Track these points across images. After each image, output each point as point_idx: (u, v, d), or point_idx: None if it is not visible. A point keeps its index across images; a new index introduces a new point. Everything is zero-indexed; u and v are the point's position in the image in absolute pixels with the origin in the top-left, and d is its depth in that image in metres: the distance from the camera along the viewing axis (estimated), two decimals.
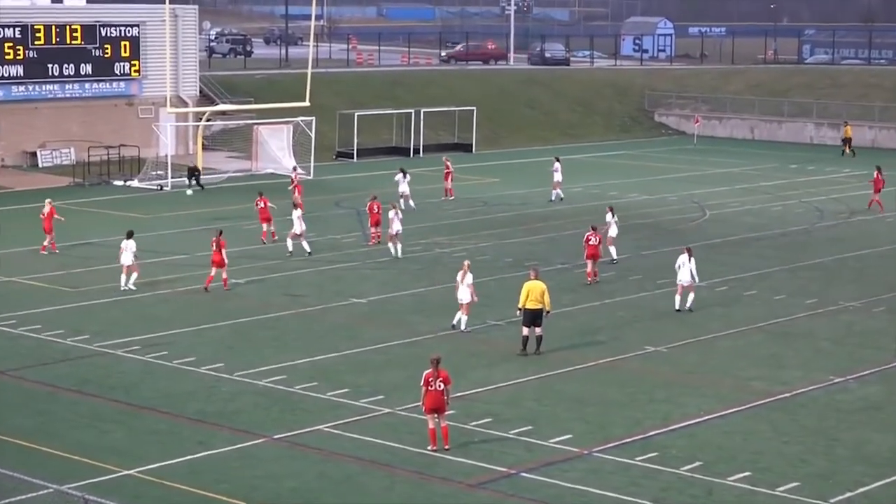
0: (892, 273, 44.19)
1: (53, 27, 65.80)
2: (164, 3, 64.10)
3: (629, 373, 31.84)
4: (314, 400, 29.17)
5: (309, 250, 44.79)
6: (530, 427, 27.40)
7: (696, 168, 71.48)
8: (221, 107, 70.79)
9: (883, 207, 56.67)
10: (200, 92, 73.11)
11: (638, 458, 25.68)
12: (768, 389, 30.56)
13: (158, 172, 61.99)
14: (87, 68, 67.18)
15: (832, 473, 25.24)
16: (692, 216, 55.44)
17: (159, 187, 60.86)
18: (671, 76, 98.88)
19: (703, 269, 39.88)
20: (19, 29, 64.69)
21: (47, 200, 45.89)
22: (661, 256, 45.14)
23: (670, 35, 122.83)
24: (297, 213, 44.82)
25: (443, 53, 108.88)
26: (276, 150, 66.60)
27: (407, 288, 40.68)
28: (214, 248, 39.71)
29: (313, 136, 66.07)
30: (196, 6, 73.02)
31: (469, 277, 34.47)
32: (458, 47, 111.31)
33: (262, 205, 47.22)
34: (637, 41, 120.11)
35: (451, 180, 58.88)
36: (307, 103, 65.46)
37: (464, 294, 34.56)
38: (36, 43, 65.21)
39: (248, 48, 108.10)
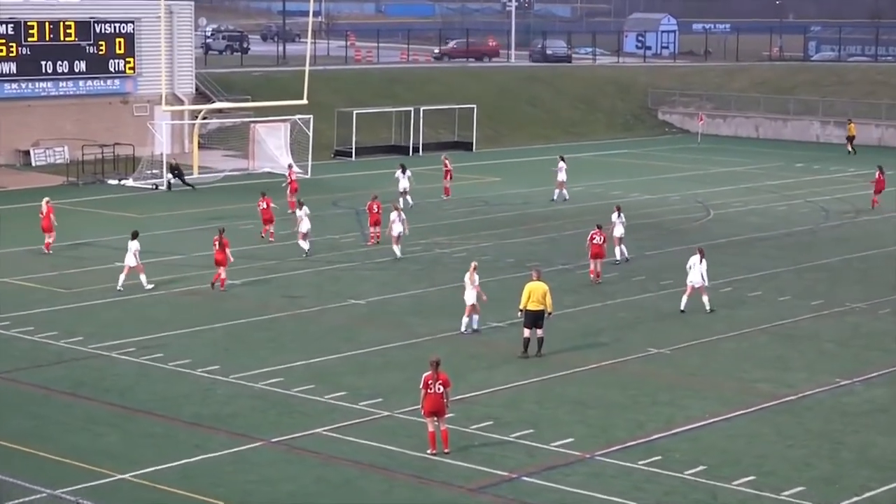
0: None
1: (47, 24, 65.38)
2: None
3: (631, 375, 31.64)
4: (312, 403, 28.97)
5: (307, 249, 44.49)
6: (531, 430, 27.24)
7: (700, 167, 71.22)
8: (218, 105, 70.45)
9: (875, 205, 56.43)
10: (196, 90, 72.88)
11: (641, 462, 25.51)
12: (773, 392, 30.37)
13: (153, 171, 61.65)
14: (81, 65, 66.80)
15: (838, 478, 25.07)
16: (696, 216, 55.19)
17: (154, 186, 60.52)
18: (675, 74, 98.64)
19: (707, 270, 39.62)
20: (12, 25, 64.29)
21: (45, 199, 45.54)
22: (665, 257, 45.04)
23: (674, 32, 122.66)
24: (304, 211, 44.49)
25: (436, 50, 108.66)
26: (273, 148, 66.32)
27: (406, 289, 40.46)
28: (217, 247, 39.39)
29: (311, 134, 65.86)
30: (192, 2, 72.60)
31: (476, 278, 34.41)
32: (452, 44, 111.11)
33: (265, 205, 46.91)
34: (640, 38, 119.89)
35: (451, 179, 58.52)
36: (305, 101, 65.37)
37: (470, 296, 34.34)
38: (29, 40, 64.79)
39: (245, 45, 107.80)
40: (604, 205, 53.61)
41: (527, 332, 32.59)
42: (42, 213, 44.90)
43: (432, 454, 25.58)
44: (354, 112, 72.65)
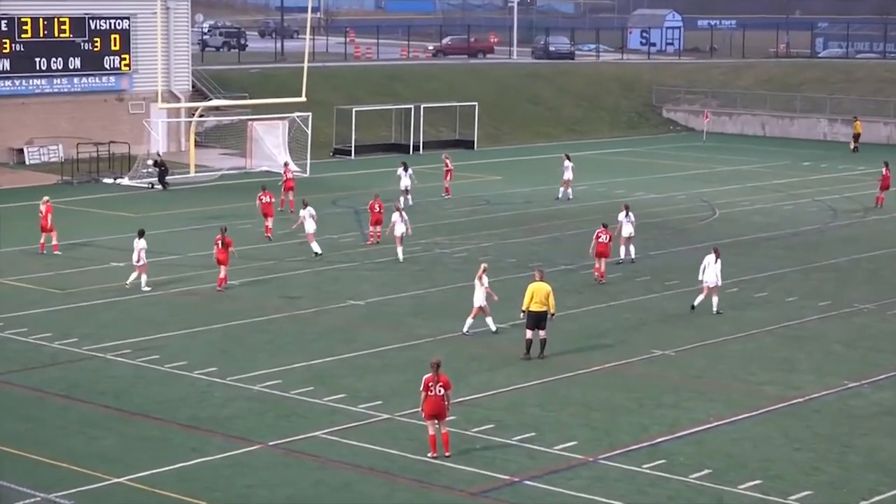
0: None
1: (41, 20, 65.03)
2: None
3: (635, 377, 31.44)
4: (310, 405, 28.78)
5: (302, 242, 44.33)
6: (533, 433, 27.09)
7: (706, 165, 71.01)
8: (215, 102, 70.15)
9: (880, 204, 56.21)
10: (193, 87, 72.59)
11: (645, 466, 25.35)
12: (779, 394, 30.18)
13: (149, 170, 61.31)
14: (75, 62, 66.48)
15: (845, 481, 24.93)
16: (701, 215, 54.95)
17: (150, 185, 60.18)
18: (680, 70, 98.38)
19: None
20: (5, 21, 63.94)
21: (45, 199, 45.18)
22: (669, 257, 44.95)
23: (679, 28, 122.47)
24: (308, 211, 44.16)
25: (430, 46, 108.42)
26: (271, 147, 66.08)
27: (406, 289, 40.23)
28: (220, 246, 39.08)
29: (310, 132, 65.65)
30: None
31: (486, 279, 34.18)
32: (446, 41, 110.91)
33: (267, 199, 46.70)
34: (644, 34, 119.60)
35: (451, 179, 58.18)
36: (303, 98, 65.28)
37: (479, 297, 34.14)
38: (23, 36, 64.46)
39: (243, 41, 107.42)
40: (607, 204, 53.39)
41: (529, 334, 32.39)
42: (41, 213, 44.56)
43: (433, 457, 25.41)
44: (354, 110, 72.44)
